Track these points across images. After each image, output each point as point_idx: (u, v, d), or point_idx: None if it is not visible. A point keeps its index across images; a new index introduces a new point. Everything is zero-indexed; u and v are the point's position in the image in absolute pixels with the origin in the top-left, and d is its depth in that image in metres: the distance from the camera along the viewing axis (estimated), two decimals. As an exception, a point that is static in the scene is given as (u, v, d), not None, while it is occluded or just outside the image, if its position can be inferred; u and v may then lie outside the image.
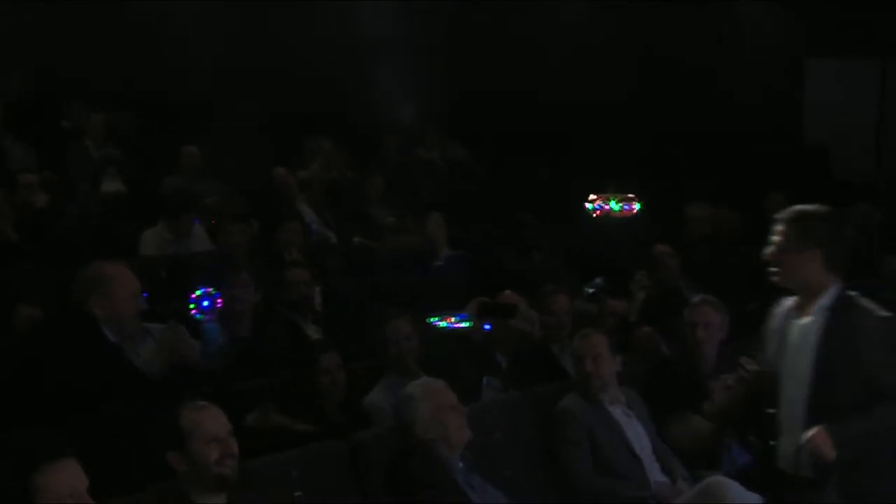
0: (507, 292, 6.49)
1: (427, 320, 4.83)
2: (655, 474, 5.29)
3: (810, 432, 3.95)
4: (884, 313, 4.08)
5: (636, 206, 4.27)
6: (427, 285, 7.85)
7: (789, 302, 4.24)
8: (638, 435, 5.39)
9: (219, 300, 5.13)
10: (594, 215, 4.31)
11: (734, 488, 4.85)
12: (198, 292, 5.11)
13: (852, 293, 4.10)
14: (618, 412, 5.42)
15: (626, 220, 4.42)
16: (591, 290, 7.68)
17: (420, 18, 11.63)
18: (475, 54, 12.15)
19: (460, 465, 4.61)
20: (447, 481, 4.48)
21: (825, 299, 4.07)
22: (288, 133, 10.34)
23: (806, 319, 4.08)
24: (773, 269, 4.13)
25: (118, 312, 4.54)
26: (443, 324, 4.58)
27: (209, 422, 3.78)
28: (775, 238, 4.12)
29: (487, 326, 6.19)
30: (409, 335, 5.76)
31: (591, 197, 4.34)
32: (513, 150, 11.52)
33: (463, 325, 4.62)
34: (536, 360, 6.23)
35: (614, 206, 4.30)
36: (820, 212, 4.13)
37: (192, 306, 5.09)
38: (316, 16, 11.45)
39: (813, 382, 4.01)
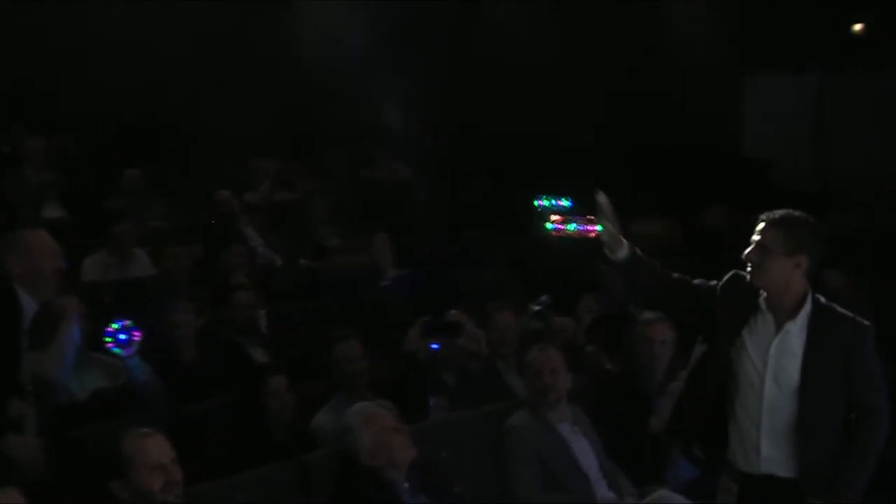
0: (454, 311, 6.52)
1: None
2: (602, 490, 5.32)
3: None
4: (865, 322, 4.10)
5: (598, 228, 4.28)
6: (374, 305, 7.85)
7: (733, 285, 4.18)
8: (585, 452, 5.41)
9: (136, 333, 5.06)
10: (553, 235, 4.31)
11: (680, 502, 4.92)
12: (114, 325, 5.05)
13: (821, 298, 4.10)
14: (565, 429, 5.44)
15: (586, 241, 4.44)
16: (537, 308, 7.72)
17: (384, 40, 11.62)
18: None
19: (406, 485, 4.62)
20: (391, 500, 4.49)
21: (808, 307, 4.06)
22: (238, 154, 10.30)
23: (788, 325, 4.05)
24: (752, 269, 4.07)
25: (36, 270, 4.48)
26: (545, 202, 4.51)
27: (153, 449, 3.75)
28: (759, 238, 4.07)
29: (434, 346, 6.21)
30: (357, 356, 5.78)
31: (554, 218, 4.33)
32: (459, 168, 11.56)
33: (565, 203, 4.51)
34: (483, 379, 6.26)
35: (570, 228, 4.29)
36: (806, 218, 4.11)
37: (108, 340, 5.04)
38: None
39: (802, 390, 4.00)
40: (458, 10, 12.41)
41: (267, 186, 10.06)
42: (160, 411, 5.34)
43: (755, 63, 12.84)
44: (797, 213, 4.11)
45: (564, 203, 4.67)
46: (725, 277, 4.21)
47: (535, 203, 4.90)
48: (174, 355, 5.98)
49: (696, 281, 4.29)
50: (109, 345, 5.07)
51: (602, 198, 4.09)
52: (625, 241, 4.15)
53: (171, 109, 10.39)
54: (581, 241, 4.24)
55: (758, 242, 4.06)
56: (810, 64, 12.73)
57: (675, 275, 4.28)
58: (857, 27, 12.44)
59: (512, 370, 6.29)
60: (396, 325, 6.87)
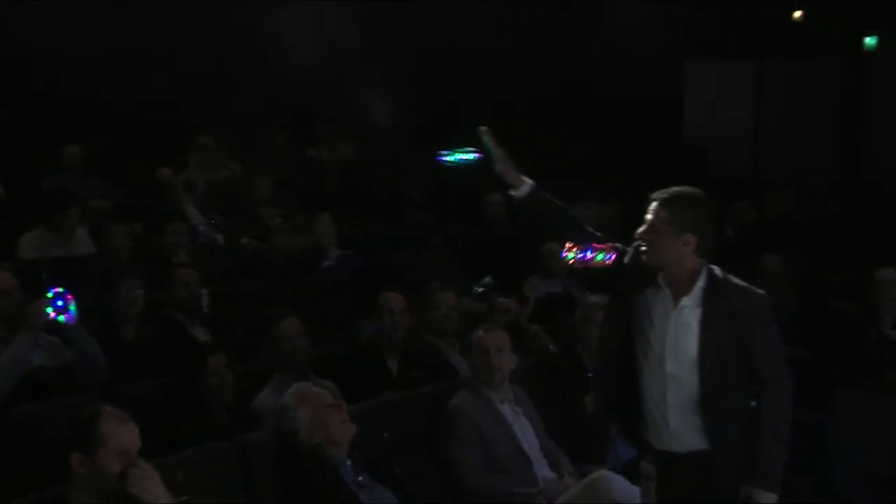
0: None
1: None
2: (543, 470, 5.34)
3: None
4: (758, 291, 4.13)
5: (598, 257, 4.33)
6: (316, 285, 7.81)
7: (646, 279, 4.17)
8: (525, 432, 5.43)
9: (69, 296, 5.11)
10: (571, 264, 4.36)
11: (618, 482, 4.95)
12: (49, 295, 5.10)
13: (717, 271, 4.10)
14: (506, 410, 5.45)
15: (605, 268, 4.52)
16: (480, 290, 7.74)
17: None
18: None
19: (348, 463, 4.60)
20: (335, 481, 4.47)
21: (701, 281, 4.06)
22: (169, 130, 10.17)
23: (684, 301, 4.06)
24: (644, 248, 4.08)
25: None
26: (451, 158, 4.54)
27: (125, 435, 3.69)
28: (650, 217, 4.06)
29: (375, 327, 6.19)
30: (297, 334, 5.73)
31: (568, 245, 4.40)
32: (404, 150, 11.51)
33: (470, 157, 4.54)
34: (425, 359, 6.24)
35: (598, 257, 4.33)
36: (697, 196, 4.10)
37: (49, 310, 5.08)
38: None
39: (701, 364, 4.02)
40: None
41: (208, 164, 9.91)
42: (98, 389, 5.29)
43: (694, 51, 12.93)
44: (688, 191, 4.10)
45: (469, 157, 4.73)
46: (630, 251, 4.19)
47: (445, 159, 4.97)
48: (116, 333, 5.91)
49: (600, 235, 4.29)
50: (52, 314, 5.09)
51: (485, 132, 4.11)
52: (525, 177, 4.16)
53: (115, 87, 10.21)
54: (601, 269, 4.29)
55: (649, 222, 4.06)
56: (748, 52, 12.83)
57: (585, 227, 4.29)
58: (797, 14, 12.54)
59: (454, 350, 6.29)
60: (338, 306, 6.84)
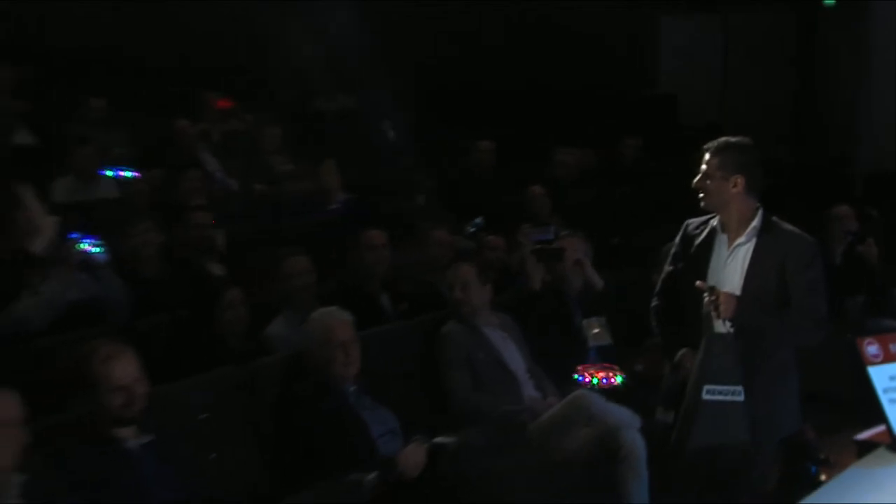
0: (563, 234, 6.24)
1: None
2: (529, 390, 5.35)
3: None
4: (809, 237, 4.15)
5: (617, 379, 4.44)
6: (322, 226, 7.78)
7: (702, 222, 4.22)
8: (513, 355, 5.43)
9: (95, 237, 5.12)
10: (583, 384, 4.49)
11: (597, 400, 4.96)
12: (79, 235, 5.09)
13: (774, 217, 4.15)
14: (494, 335, 5.45)
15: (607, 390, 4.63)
16: (471, 230, 7.71)
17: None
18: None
19: (352, 388, 4.61)
20: (339, 402, 4.48)
21: (756, 222, 4.10)
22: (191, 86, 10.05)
23: (740, 240, 4.09)
24: (701, 196, 4.14)
25: None
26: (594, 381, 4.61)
27: (117, 372, 3.69)
28: (703, 167, 4.13)
29: None
30: (306, 271, 5.71)
31: (579, 368, 4.51)
32: (396, 103, 11.41)
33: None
34: (419, 292, 6.23)
35: (618, 379, 4.44)
36: (741, 142, 4.16)
37: (82, 246, 5.07)
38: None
39: (742, 294, 4.02)
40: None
41: (222, 116, 9.84)
42: (123, 321, 5.29)
43: (669, 5, 12.78)
44: (734, 139, 4.17)
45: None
46: (682, 229, 4.29)
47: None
48: (138, 270, 5.88)
49: (669, 269, 4.36)
50: (86, 248, 5.06)
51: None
52: None
53: (135, 45, 10.07)
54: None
55: (702, 171, 4.13)
56: (717, 7, 12.71)
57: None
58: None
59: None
60: (343, 243, 6.81)
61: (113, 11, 10.30)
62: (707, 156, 4.14)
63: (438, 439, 4.57)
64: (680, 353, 4.20)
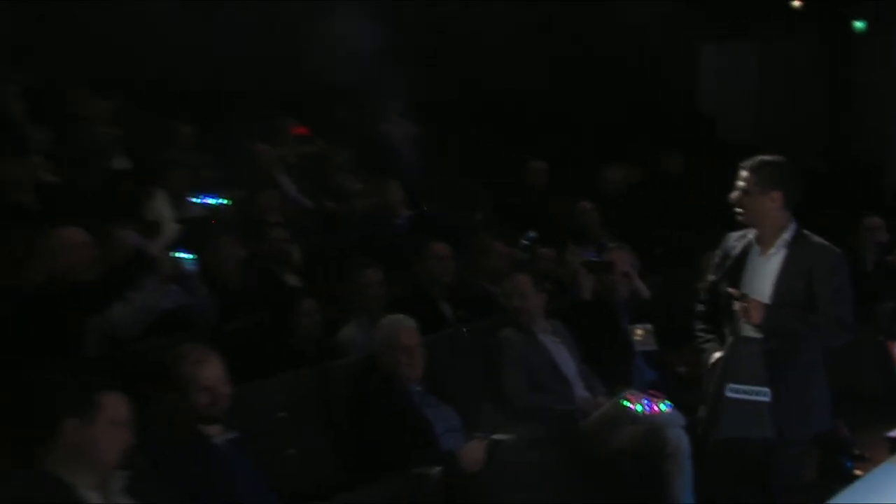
0: (612, 246, 6.24)
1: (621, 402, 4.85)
2: (579, 391, 5.33)
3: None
4: (836, 249, 4.10)
5: (660, 407, 4.47)
6: (390, 241, 7.82)
7: (741, 235, 4.20)
8: (564, 359, 5.41)
9: (187, 251, 5.22)
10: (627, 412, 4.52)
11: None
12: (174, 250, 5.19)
13: (807, 231, 4.11)
14: (547, 340, 5.44)
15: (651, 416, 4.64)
16: (525, 242, 7.70)
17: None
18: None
19: (418, 389, 4.63)
20: (405, 401, 4.50)
21: (787, 234, 4.07)
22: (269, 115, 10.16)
23: (771, 251, 4.06)
24: (739, 210, 4.11)
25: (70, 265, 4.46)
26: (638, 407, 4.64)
27: (205, 373, 3.74)
28: (740, 184, 4.09)
29: None
30: (376, 282, 5.75)
31: (628, 395, 4.54)
32: (458, 126, 11.44)
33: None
34: (478, 300, 6.23)
35: (661, 406, 4.47)
36: (780, 160, 4.13)
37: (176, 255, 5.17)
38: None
39: (772, 301, 3.99)
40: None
41: (293, 141, 9.94)
42: (208, 327, 5.35)
43: (709, 35, 12.68)
44: (770, 157, 4.13)
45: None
46: (723, 241, 4.26)
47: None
48: (222, 281, 5.95)
49: (711, 279, 4.32)
50: (179, 261, 5.16)
51: None
52: None
53: (220, 76, 10.22)
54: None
55: (740, 187, 4.10)
56: (752, 34, 12.58)
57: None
58: (796, 3, 12.25)
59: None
60: (407, 255, 6.84)
61: (200, 45, 10.47)
62: (744, 173, 4.10)
63: (496, 436, 4.57)
64: (714, 356, 4.15)
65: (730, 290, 4.02)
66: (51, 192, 7.24)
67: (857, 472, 5.10)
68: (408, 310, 5.00)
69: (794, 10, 12.28)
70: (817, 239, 4.10)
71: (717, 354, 4.14)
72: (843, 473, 5.15)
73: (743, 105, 12.83)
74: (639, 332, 5.67)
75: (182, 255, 5.17)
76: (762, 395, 3.93)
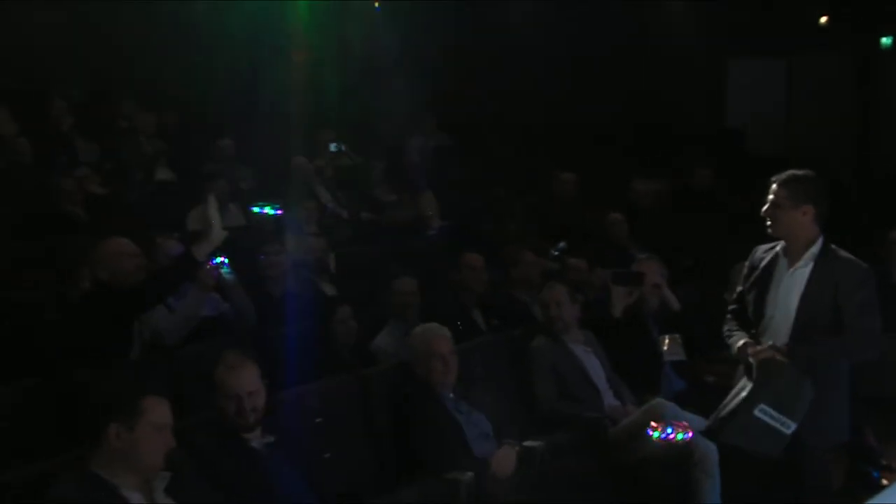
0: (641, 259, 6.19)
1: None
2: (609, 399, 5.32)
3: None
4: (862, 264, 4.09)
5: (678, 437, 4.48)
6: (424, 251, 7.85)
7: (769, 248, 4.20)
8: (594, 368, 5.40)
9: (227, 260, 5.22)
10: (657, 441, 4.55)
11: (671, 408, 4.91)
12: (216, 260, 5.16)
13: (834, 245, 4.09)
14: (578, 349, 5.43)
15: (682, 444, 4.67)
16: (556, 253, 7.70)
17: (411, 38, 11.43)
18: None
19: (451, 395, 4.64)
20: (439, 407, 4.51)
21: (815, 248, 4.06)
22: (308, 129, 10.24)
23: (799, 264, 4.05)
24: (769, 223, 4.10)
25: (122, 272, 4.52)
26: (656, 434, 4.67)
27: (235, 381, 3.74)
28: (771, 197, 4.08)
29: None
30: (412, 290, 5.78)
31: (653, 425, 4.57)
32: (487, 138, 11.46)
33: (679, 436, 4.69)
34: (509, 308, 6.24)
35: (679, 436, 4.49)
36: (810, 175, 4.11)
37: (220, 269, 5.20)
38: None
39: (798, 314, 4.00)
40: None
41: (331, 154, 10.00)
42: (248, 333, 5.39)
43: (738, 49, 12.62)
44: (801, 172, 4.11)
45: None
46: (752, 253, 4.27)
47: None
48: (264, 289, 6.00)
49: (739, 289, 4.34)
50: (219, 271, 5.21)
51: None
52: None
53: (251, 92, 10.33)
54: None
55: (771, 201, 4.09)
56: (781, 50, 12.51)
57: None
58: (823, 19, 12.18)
59: (535, 301, 6.27)
60: (442, 265, 6.86)
61: (231, 65, 10.58)
62: (775, 186, 4.08)
63: (528, 443, 4.57)
64: (741, 342, 4.13)
65: (749, 353, 3.98)
66: (98, 203, 7.35)
67: (885, 482, 5.04)
68: (441, 318, 5.02)
69: (823, 27, 12.21)
70: (844, 253, 4.08)
71: (743, 341, 4.11)
72: (870, 483, 5.09)
73: (772, 119, 12.74)
74: (667, 342, 5.64)
75: (220, 262, 5.20)
76: (786, 426, 3.92)
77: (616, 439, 4.98)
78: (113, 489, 3.11)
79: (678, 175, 10.16)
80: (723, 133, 12.68)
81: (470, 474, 4.22)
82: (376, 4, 11.98)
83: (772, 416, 3.93)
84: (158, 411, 3.21)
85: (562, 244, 7.71)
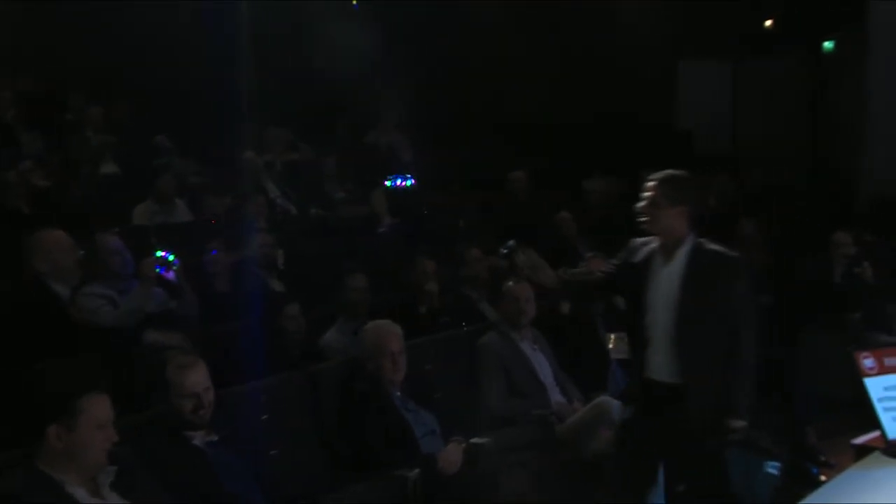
0: (590, 256, 6.27)
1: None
2: (556, 396, 5.37)
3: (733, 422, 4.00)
4: (733, 254, 4.19)
5: None
6: (373, 247, 7.83)
7: (644, 242, 4.27)
8: (542, 365, 5.45)
9: (171, 256, 5.15)
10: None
11: (617, 405, 4.96)
12: (158, 254, 5.12)
13: (702, 240, 4.18)
14: (527, 347, 5.48)
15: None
16: (505, 251, 7.72)
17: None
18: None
19: (398, 393, 4.65)
20: (387, 404, 4.52)
21: (686, 246, 4.15)
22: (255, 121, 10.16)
23: (673, 262, 4.14)
24: (644, 219, 4.19)
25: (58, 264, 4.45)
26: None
27: (188, 380, 3.74)
28: (648, 194, 4.17)
29: None
30: (363, 286, 5.77)
31: None
32: (438, 138, 11.47)
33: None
34: (457, 307, 6.26)
35: None
36: (685, 176, 4.21)
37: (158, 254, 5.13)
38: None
39: (679, 308, 4.08)
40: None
41: (281, 149, 9.94)
42: (194, 329, 5.35)
43: (686, 51, 12.79)
44: (678, 172, 4.22)
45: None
46: (625, 248, 4.36)
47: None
48: (210, 285, 5.96)
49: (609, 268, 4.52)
50: (159, 270, 5.13)
51: None
52: None
53: (206, 88, 10.23)
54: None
55: (648, 199, 4.18)
56: (727, 54, 12.71)
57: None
58: (768, 23, 12.40)
59: (482, 299, 6.30)
60: (391, 263, 6.86)
61: (187, 58, 10.47)
62: (653, 185, 4.18)
63: (475, 440, 4.59)
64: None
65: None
66: (42, 197, 7.23)
67: (823, 478, 5.15)
68: (390, 314, 5.03)
69: (768, 31, 12.43)
70: (714, 246, 4.18)
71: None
72: (810, 479, 5.20)
73: (719, 121, 12.93)
74: (613, 340, 5.71)
75: (166, 257, 5.15)
76: (772, 468, 4.03)
77: (564, 436, 5.03)
78: (59, 485, 3.09)
79: (627, 175, 10.26)
80: (671, 134, 12.83)
81: (417, 471, 4.24)
82: (353, 2, 11.95)
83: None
84: (98, 409, 3.18)
85: (511, 242, 7.75)
